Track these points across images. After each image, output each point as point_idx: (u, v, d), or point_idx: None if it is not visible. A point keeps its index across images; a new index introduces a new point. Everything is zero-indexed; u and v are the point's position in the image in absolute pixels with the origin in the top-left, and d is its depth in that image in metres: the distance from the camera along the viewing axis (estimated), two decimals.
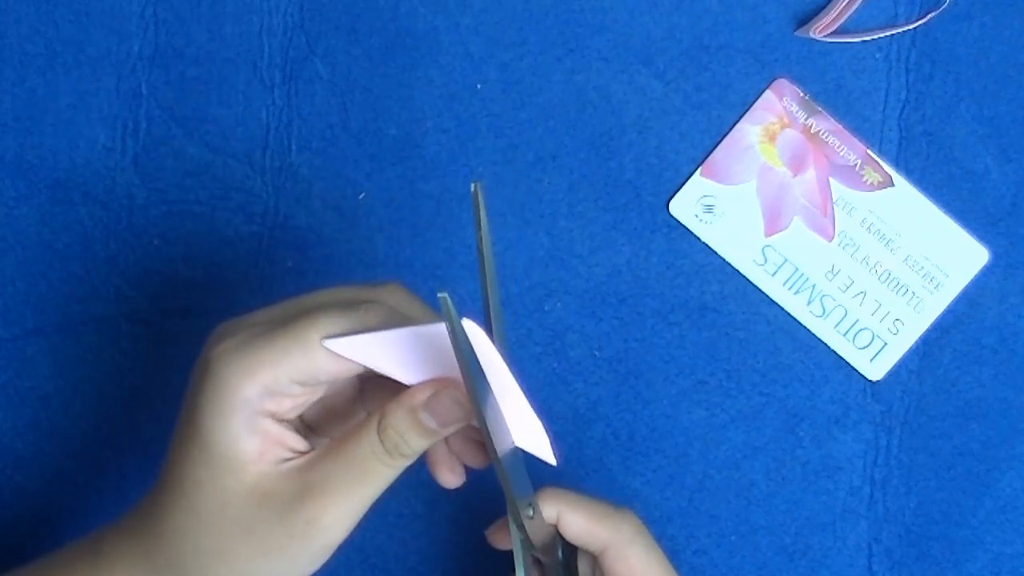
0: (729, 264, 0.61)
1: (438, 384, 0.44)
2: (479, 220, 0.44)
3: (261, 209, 0.60)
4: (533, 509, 0.47)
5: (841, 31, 0.60)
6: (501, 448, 0.43)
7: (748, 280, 0.61)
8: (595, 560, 0.49)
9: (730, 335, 0.61)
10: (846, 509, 0.60)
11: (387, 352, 0.43)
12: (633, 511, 0.49)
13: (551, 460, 0.46)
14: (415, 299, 0.47)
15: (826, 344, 0.60)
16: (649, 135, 0.61)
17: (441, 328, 0.41)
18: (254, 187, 0.60)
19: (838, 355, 0.60)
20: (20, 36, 0.61)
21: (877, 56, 0.61)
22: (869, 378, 0.60)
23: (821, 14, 0.60)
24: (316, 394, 0.45)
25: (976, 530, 0.60)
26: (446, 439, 0.48)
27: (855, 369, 0.60)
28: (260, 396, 0.43)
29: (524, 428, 0.45)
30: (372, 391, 0.49)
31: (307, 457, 0.44)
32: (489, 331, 0.44)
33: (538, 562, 0.50)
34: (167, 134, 0.61)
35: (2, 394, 0.60)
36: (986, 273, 0.60)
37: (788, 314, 0.60)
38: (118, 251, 0.60)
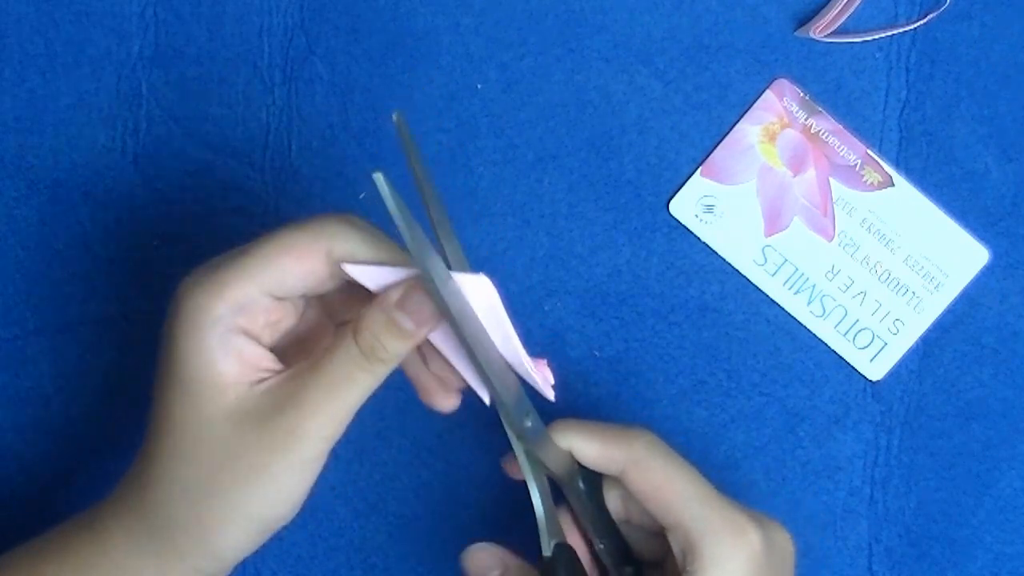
0: (729, 264, 0.61)
1: (410, 283, 0.44)
2: (409, 151, 0.44)
3: (261, 209, 0.60)
4: (532, 421, 0.47)
5: (841, 31, 0.60)
6: (484, 356, 0.44)
7: (748, 280, 0.61)
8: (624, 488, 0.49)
9: (730, 335, 0.61)
10: (846, 509, 0.60)
11: (395, 283, 0.44)
12: (647, 428, 0.49)
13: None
14: (366, 221, 0.47)
15: (826, 344, 0.60)
16: (649, 135, 0.61)
17: (458, 279, 0.43)
18: (254, 187, 0.60)
19: (838, 355, 0.60)
20: (20, 36, 0.61)
21: (877, 56, 0.61)
22: (869, 378, 0.60)
23: (821, 14, 0.60)
24: (287, 313, 0.46)
25: (976, 530, 0.60)
26: (427, 362, 0.48)
27: (855, 369, 0.60)
28: (232, 312, 0.43)
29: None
30: (343, 312, 0.49)
31: (284, 374, 0.45)
32: (444, 256, 0.45)
33: (563, 497, 0.49)
34: (167, 134, 0.61)
35: (2, 394, 0.60)
36: (986, 273, 0.61)
37: (788, 314, 0.60)
38: (118, 251, 0.60)
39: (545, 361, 0.47)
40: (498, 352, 0.45)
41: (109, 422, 0.60)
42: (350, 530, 0.60)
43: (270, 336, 0.46)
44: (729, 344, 0.60)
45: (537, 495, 0.48)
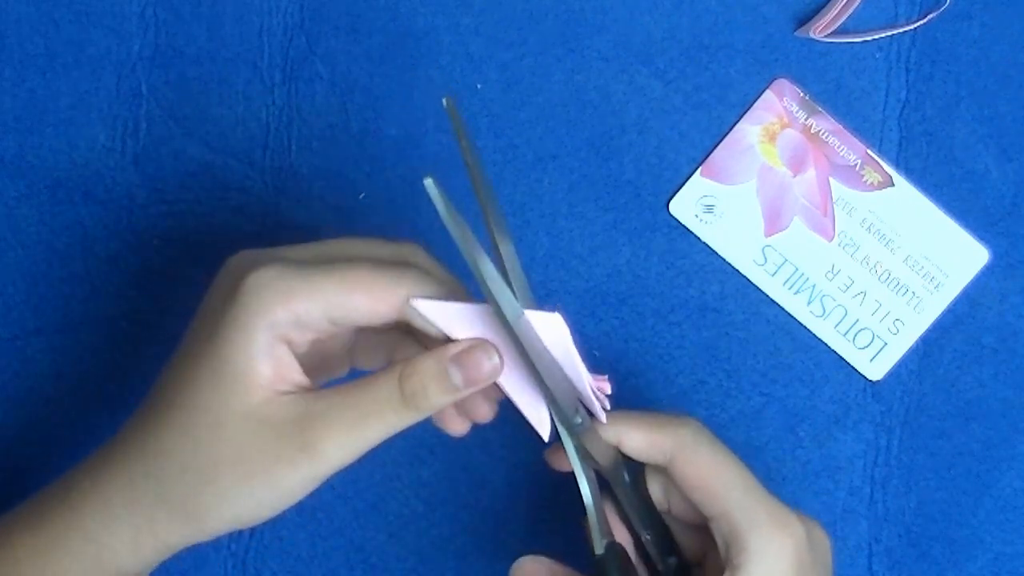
0: (729, 264, 0.61)
1: (474, 341, 0.44)
2: (461, 133, 0.45)
3: (261, 209, 0.60)
4: (582, 416, 0.47)
5: (841, 31, 0.60)
6: (540, 361, 0.44)
7: (748, 280, 0.61)
8: (667, 478, 0.49)
9: (730, 335, 0.61)
10: (846, 509, 0.60)
11: (464, 323, 0.44)
12: (694, 417, 0.49)
13: (544, 436, 0.46)
14: (436, 262, 0.48)
15: (826, 344, 0.60)
16: (649, 135, 0.61)
17: (530, 317, 0.44)
18: (254, 187, 0.60)
19: (838, 355, 0.60)
20: (20, 36, 0.61)
21: (877, 56, 0.61)
22: (869, 378, 0.60)
23: (821, 14, 0.60)
24: (334, 336, 0.46)
25: (976, 530, 0.60)
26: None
27: (855, 369, 0.60)
28: (288, 323, 0.44)
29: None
30: (363, 350, 0.50)
31: (314, 392, 0.45)
32: (496, 250, 0.45)
33: (608, 489, 0.49)
34: (167, 134, 0.61)
35: (2, 394, 0.60)
36: (986, 273, 0.61)
37: (788, 314, 0.60)
38: (118, 251, 0.60)
39: (606, 377, 0.47)
40: (564, 383, 0.46)
41: (109, 422, 0.60)
42: (350, 530, 0.60)
43: (306, 348, 0.46)
44: (729, 344, 0.60)
45: (588, 492, 0.48)
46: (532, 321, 0.44)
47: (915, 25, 0.61)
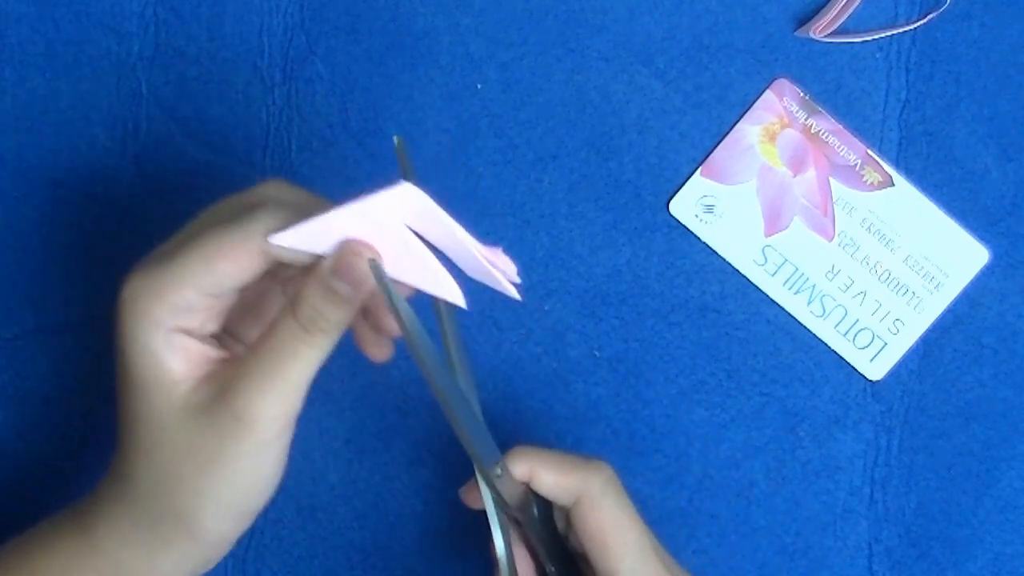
0: (729, 264, 0.61)
1: (344, 247, 0.43)
2: (405, 172, 0.44)
3: None
4: (501, 469, 0.47)
5: (841, 31, 0.60)
6: (462, 417, 0.44)
7: (748, 280, 0.61)
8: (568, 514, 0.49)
9: (730, 335, 0.61)
10: (846, 509, 0.60)
11: (326, 238, 0.43)
12: (605, 462, 0.49)
13: (461, 303, 0.44)
14: (299, 189, 0.47)
15: (826, 344, 0.60)
16: (649, 135, 0.61)
17: (359, 206, 0.41)
18: None
19: (838, 355, 0.60)
20: (20, 36, 0.61)
21: (877, 56, 0.61)
22: (869, 378, 0.60)
23: (821, 14, 0.60)
24: (227, 302, 0.46)
25: (976, 530, 0.60)
26: (367, 317, 0.48)
27: (855, 369, 0.60)
28: (171, 314, 0.44)
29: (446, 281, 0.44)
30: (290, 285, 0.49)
31: (229, 361, 0.45)
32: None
33: (516, 522, 0.49)
34: (167, 134, 0.61)
35: (2, 394, 0.60)
36: (986, 273, 0.61)
37: (788, 314, 0.60)
38: (118, 251, 0.60)
39: (500, 249, 0.45)
40: (482, 429, 0.45)
41: (108, 422, 0.60)
42: (350, 530, 0.60)
43: (216, 321, 0.46)
44: (729, 344, 0.60)
45: (501, 544, 0.48)
46: (385, 202, 0.41)
47: (915, 25, 0.61)
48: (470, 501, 0.50)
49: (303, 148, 0.61)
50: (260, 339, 0.44)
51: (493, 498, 0.48)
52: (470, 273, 0.45)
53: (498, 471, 0.47)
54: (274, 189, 0.46)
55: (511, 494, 0.48)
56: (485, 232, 0.60)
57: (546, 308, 0.60)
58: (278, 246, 0.43)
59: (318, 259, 0.44)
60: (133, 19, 0.61)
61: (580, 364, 0.60)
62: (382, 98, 0.61)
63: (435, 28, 0.61)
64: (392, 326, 0.48)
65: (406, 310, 0.42)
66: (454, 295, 0.44)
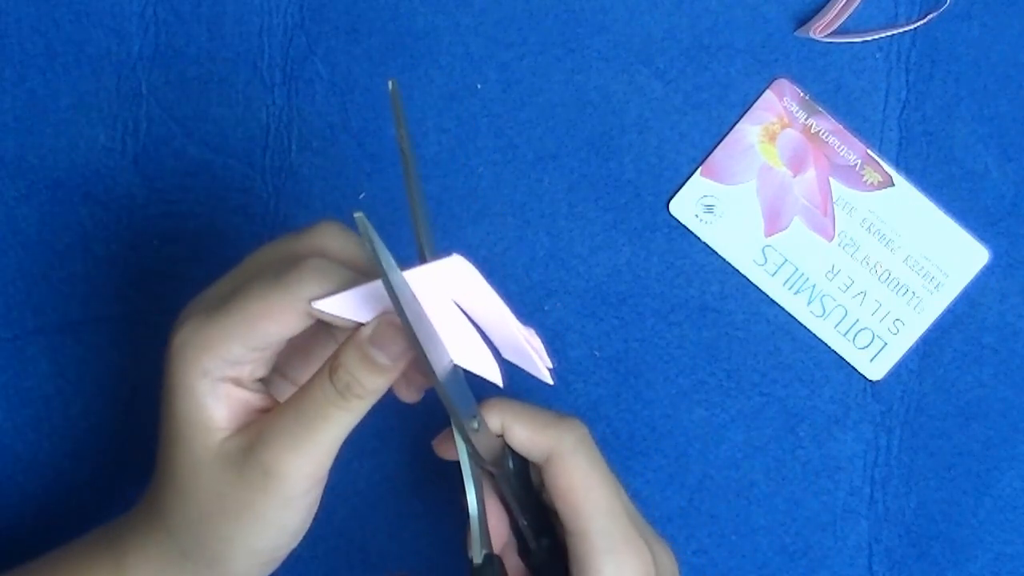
0: (729, 264, 0.61)
1: (385, 318, 0.44)
2: (399, 119, 0.44)
3: (261, 209, 0.60)
4: (478, 423, 0.47)
5: (841, 31, 0.60)
6: (439, 365, 0.43)
7: (748, 280, 0.61)
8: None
9: (730, 335, 0.61)
10: (846, 509, 0.60)
11: (367, 304, 0.43)
12: (580, 420, 0.49)
13: (498, 381, 0.45)
14: (350, 236, 0.47)
15: (826, 344, 0.60)
16: (649, 135, 0.61)
17: (408, 275, 0.42)
18: (254, 187, 0.60)
19: (838, 355, 0.60)
20: (20, 36, 0.61)
21: (877, 56, 0.61)
22: (869, 378, 0.60)
23: (821, 14, 0.60)
24: (275, 350, 0.46)
25: (976, 530, 0.60)
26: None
27: (855, 369, 0.60)
28: (220, 366, 0.44)
29: (482, 354, 0.45)
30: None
31: (267, 414, 0.45)
32: (417, 240, 0.45)
33: (490, 475, 0.49)
34: (167, 134, 0.61)
35: (2, 394, 0.60)
36: (986, 273, 0.61)
37: (788, 314, 0.60)
38: (118, 251, 0.60)
39: (534, 330, 0.46)
40: (463, 387, 0.45)
41: (108, 422, 0.60)
42: (350, 530, 0.60)
43: (265, 367, 0.46)
44: (729, 344, 0.60)
45: (474, 502, 0.48)
46: (433, 274, 0.42)
47: (915, 25, 0.61)
48: (442, 452, 0.50)
49: (303, 148, 0.61)
50: (295, 395, 0.45)
51: (467, 451, 0.47)
52: (504, 352, 0.46)
53: (475, 424, 0.47)
54: (327, 236, 0.47)
55: (486, 447, 0.47)
56: (485, 232, 0.60)
57: (546, 308, 0.60)
58: (320, 311, 0.44)
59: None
60: (133, 19, 0.61)
61: (580, 364, 0.60)
62: (382, 98, 0.61)
63: (435, 28, 0.61)
64: (420, 381, 0.48)
65: (394, 269, 0.42)
66: (492, 373, 0.45)
